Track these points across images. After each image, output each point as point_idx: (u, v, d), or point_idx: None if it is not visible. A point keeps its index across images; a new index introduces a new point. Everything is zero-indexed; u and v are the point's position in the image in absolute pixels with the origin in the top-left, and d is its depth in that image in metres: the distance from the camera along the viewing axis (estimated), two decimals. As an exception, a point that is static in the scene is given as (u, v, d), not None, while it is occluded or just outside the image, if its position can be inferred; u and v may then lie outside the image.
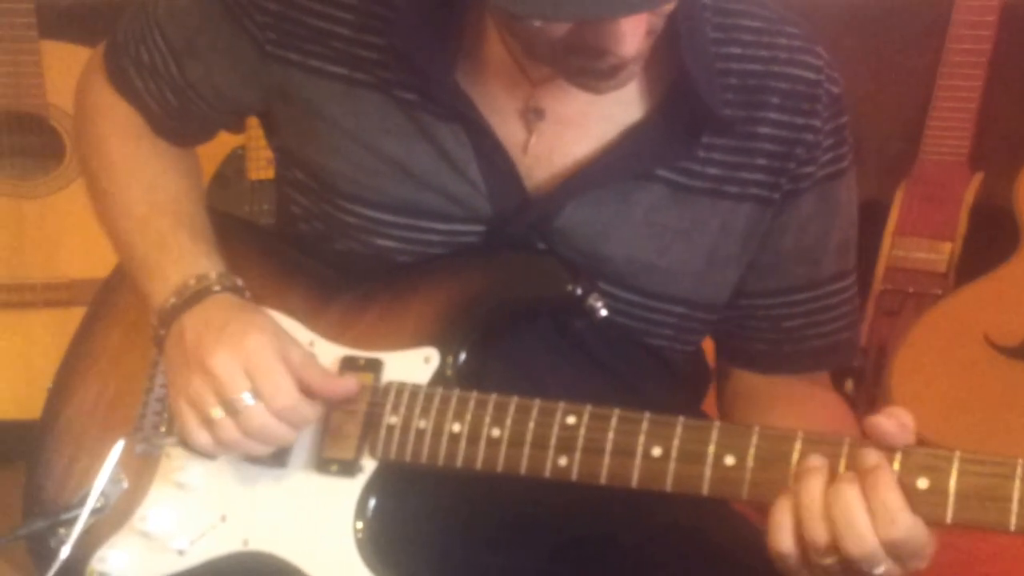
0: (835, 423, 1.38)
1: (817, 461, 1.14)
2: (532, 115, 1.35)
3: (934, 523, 1.11)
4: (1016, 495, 1.08)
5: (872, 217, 2.43)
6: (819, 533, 1.11)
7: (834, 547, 1.10)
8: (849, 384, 2.43)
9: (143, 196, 1.46)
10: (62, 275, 2.73)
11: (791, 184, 1.36)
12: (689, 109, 1.31)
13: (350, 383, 1.33)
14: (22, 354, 2.68)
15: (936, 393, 2.40)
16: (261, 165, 2.87)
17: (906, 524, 1.09)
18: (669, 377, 1.47)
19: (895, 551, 1.10)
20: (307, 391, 1.31)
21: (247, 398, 1.28)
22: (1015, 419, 2.37)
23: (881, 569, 1.11)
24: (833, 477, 1.13)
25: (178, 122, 1.49)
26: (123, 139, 1.50)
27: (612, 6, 1.10)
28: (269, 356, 1.29)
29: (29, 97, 2.76)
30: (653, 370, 1.45)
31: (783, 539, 1.13)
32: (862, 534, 1.09)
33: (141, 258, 1.43)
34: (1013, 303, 2.50)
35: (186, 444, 1.34)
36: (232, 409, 1.28)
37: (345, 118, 1.37)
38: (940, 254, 2.66)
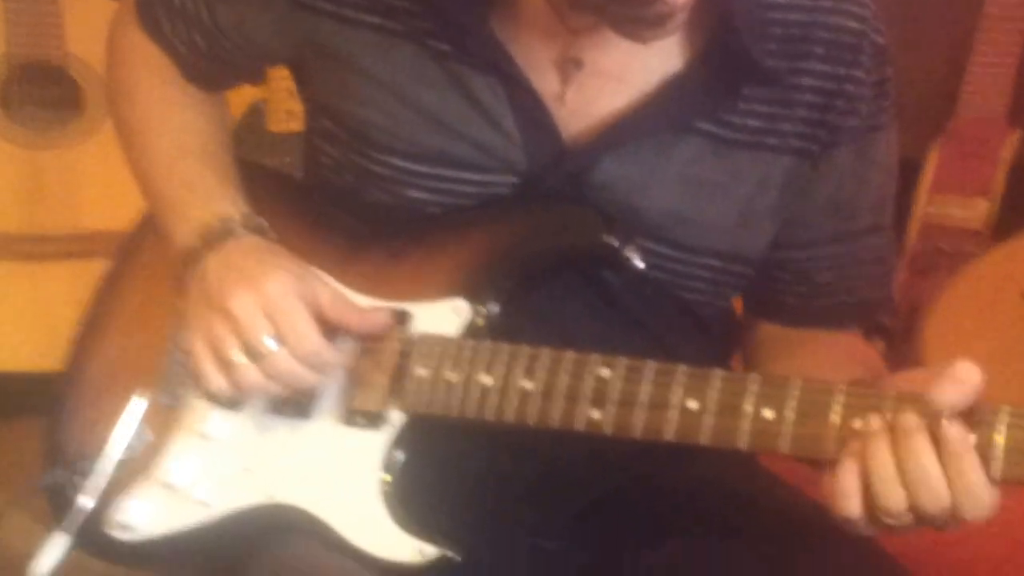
0: (861, 366, 1.37)
1: (876, 423, 1.11)
2: (570, 65, 1.32)
3: None
4: None
5: (906, 174, 2.42)
6: (896, 499, 1.09)
7: (911, 509, 1.09)
8: (880, 344, 2.41)
9: (172, 139, 1.46)
10: (81, 227, 2.72)
11: (830, 136, 1.34)
12: (732, 60, 1.28)
13: (381, 316, 1.32)
14: (42, 306, 2.69)
15: (972, 351, 2.37)
16: (281, 118, 2.85)
17: (979, 477, 1.07)
18: (700, 334, 1.45)
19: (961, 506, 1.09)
20: (338, 326, 1.30)
21: (270, 343, 1.27)
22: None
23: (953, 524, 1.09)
24: (895, 436, 1.10)
25: (207, 65, 1.48)
26: (153, 83, 1.49)
27: None
28: (290, 299, 1.28)
29: (49, 47, 2.73)
30: (685, 326, 1.43)
31: (852, 507, 1.11)
32: (939, 492, 1.08)
33: (167, 200, 1.42)
34: (1051, 260, 2.48)
35: (204, 389, 1.33)
36: (255, 354, 1.27)
37: (378, 68, 1.35)
38: (975, 211, 2.63)
